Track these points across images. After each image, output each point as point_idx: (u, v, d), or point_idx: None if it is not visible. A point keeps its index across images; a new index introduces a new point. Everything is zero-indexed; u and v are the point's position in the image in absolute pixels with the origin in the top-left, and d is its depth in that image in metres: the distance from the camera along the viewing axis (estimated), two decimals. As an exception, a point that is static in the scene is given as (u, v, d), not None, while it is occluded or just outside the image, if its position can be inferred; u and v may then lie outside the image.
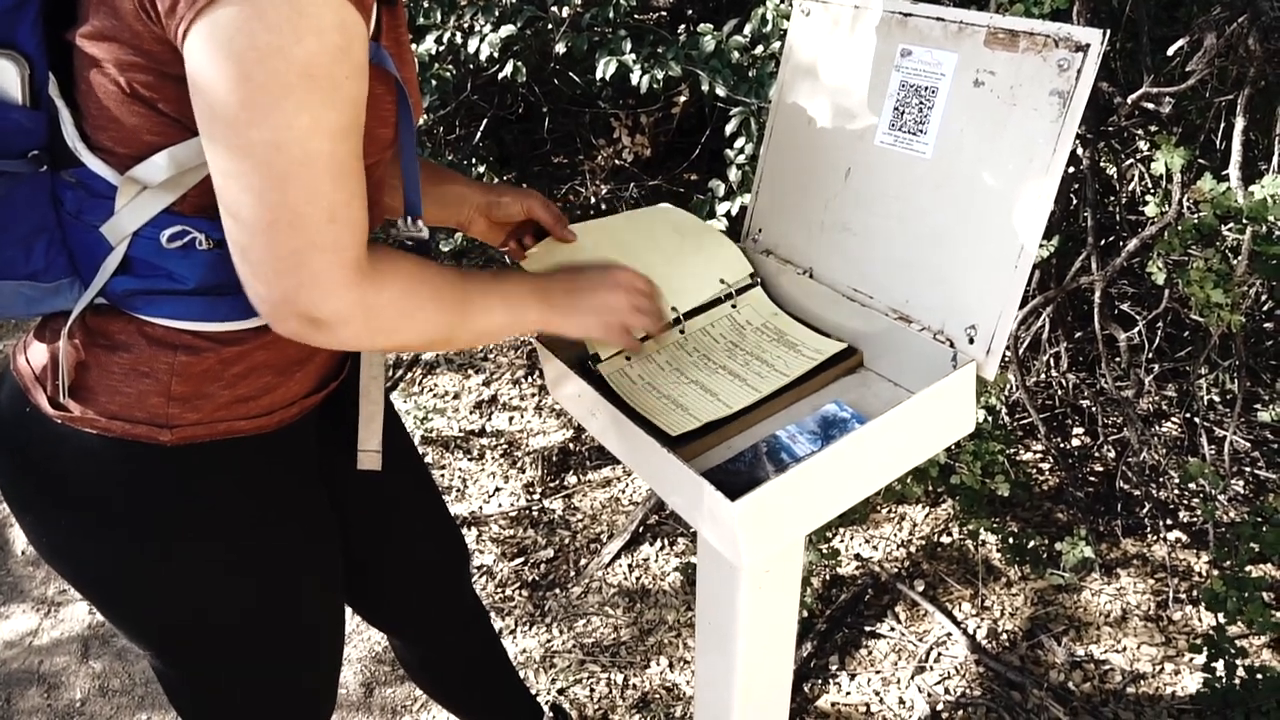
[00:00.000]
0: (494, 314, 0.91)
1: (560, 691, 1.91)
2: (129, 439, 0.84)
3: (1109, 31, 0.90)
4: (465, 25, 2.20)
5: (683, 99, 2.81)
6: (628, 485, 2.46)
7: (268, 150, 0.69)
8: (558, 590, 2.16)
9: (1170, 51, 1.70)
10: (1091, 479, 2.30)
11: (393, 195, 1.05)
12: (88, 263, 0.82)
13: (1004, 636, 1.95)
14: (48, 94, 0.76)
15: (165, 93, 0.74)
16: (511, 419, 2.74)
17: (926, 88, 1.03)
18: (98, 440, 0.84)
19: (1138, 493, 2.19)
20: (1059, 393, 2.36)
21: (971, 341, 1.00)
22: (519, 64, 2.19)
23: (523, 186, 1.19)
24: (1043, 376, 2.30)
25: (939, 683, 1.86)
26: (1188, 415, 2.24)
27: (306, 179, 0.71)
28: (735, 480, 0.97)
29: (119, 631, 0.98)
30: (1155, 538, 2.13)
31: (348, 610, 1.19)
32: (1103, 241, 2.06)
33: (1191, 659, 1.86)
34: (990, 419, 1.96)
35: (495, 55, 2.14)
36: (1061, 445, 2.37)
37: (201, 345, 0.84)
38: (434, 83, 2.34)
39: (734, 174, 1.97)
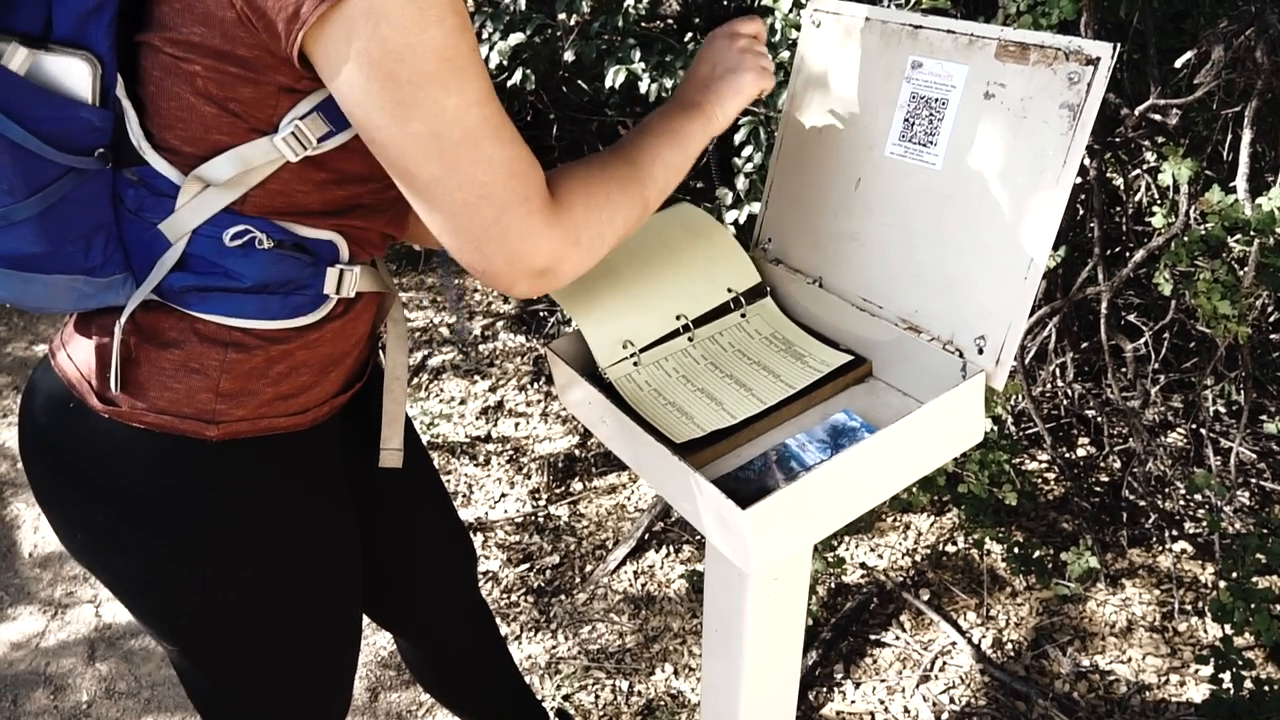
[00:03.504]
0: (670, 163, 0.92)
1: (565, 698, 1.91)
2: (175, 433, 0.86)
3: (1117, 44, 0.91)
4: (475, 33, 2.21)
5: (690, 107, 2.81)
6: (633, 492, 2.46)
7: (431, 137, 0.72)
8: (563, 596, 2.16)
9: (1178, 64, 1.70)
10: (1097, 489, 2.30)
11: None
12: (142, 259, 0.84)
13: (1009, 646, 1.95)
14: (115, 93, 0.78)
15: (239, 94, 0.76)
16: (518, 425, 2.74)
17: (937, 99, 1.03)
18: (141, 435, 0.86)
19: (1143, 503, 2.19)
20: (1065, 403, 2.37)
21: (981, 352, 1.00)
22: (528, 71, 2.20)
23: None
24: (1049, 386, 2.31)
25: (944, 692, 1.86)
26: (1194, 426, 2.24)
27: (475, 151, 0.74)
28: (745, 488, 0.97)
29: (143, 627, 1.00)
30: (1161, 548, 2.13)
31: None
32: (1109, 252, 2.06)
33: (1197, 670, 1.86)
34: (996, 428, 1.96)
35: (504, 63, 2.16)
36: (1067, 455, 2.37)
37: (251, 343, 0.87)
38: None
39: (742, 182, 1.98)
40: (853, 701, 1.86)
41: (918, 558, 2.18)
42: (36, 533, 2.45)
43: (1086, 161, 1.90)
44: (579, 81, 2.77)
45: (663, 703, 1.89)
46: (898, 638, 1.99)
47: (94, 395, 0.87)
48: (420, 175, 0.74)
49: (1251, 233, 1.59)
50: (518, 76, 2.20)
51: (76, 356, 0.89)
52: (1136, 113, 1.73)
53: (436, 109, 0.72)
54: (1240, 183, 1.63)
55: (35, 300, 0.83)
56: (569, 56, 2.15)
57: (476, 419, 2.77)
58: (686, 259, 1.21)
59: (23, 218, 0.77)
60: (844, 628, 2.01)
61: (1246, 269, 1.66)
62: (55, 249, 0.80)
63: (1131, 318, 2.28)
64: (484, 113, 0.74)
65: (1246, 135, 1.64)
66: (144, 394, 0.86)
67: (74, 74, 0.75)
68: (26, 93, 0.73)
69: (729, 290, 1.21)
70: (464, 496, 2.49)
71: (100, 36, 0.75)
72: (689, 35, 2.10)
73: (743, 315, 1.21)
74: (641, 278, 1.17)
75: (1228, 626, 1.57)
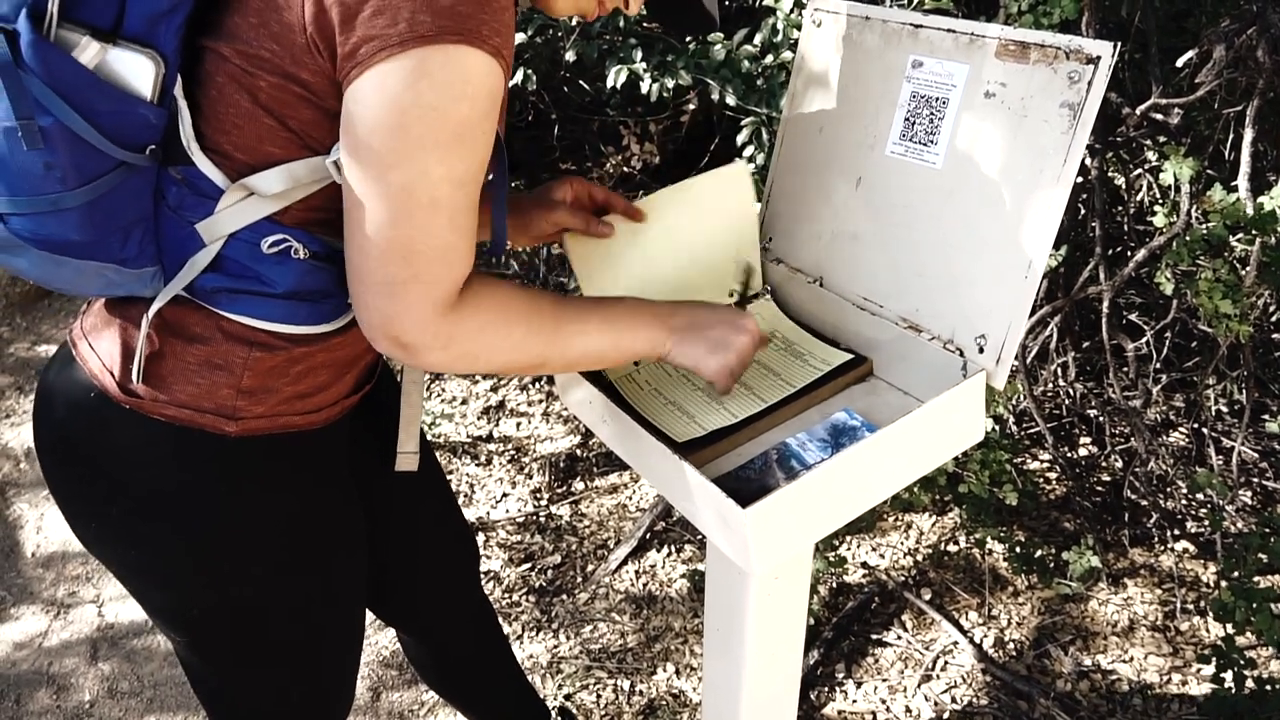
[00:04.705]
0: (591, 339, 0.93)
1: (567, 697, 1.91)
2: (194, 427, 0.87)
3: (1118, 43, 0.91)
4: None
5: (691, 107, 2.82)
6: (635, 491, 2.46)
7: (400, 190, 0.75)
8: (565, 596, 2.16)
9: (1179, 63, 1.70)
10: (1099, 489, 2.30)
11: None
12: (174, 255, 0.85)
13: (1011, 646, 1.95)
14: (173, 93, 0.80)
15: (300, 113, 0.79)
16: (519, 425, 2.74)
17: (937, 99, 1.03)
18: (160, 428, 0.87)
19: (1145, 503, 2.19)
20: (1066, 402, 2.36)
21: (981, 351, 1.01)
22: (529, 71, 2.20)
23: (550, 191, 1.15)
24: (1050, 386, 2.31)
25: (945, 691, 1.86)
26: (1195, 425, 2.24)
27: (427, 219, 0.77)
28: (746, 487, 0.98)
29: (153, 619, 1.01)
30: (1163, 548, 2.13)
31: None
32: (1110, 251, 2.06)
33: (1199, 669, 1.86)
34: (997, 428, 1.96)
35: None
36: (1069, 455, 2.36)
37: (275, 344, 0.88)
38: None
39: (743, 182, 1.98)
40: (854, 701, 1.86)
41: (919, 557, 2.18)
42: (39, 533, 2.45)
43: (1088, 161, 1.89)
44: (580, 81, 2.77)
45: (664, 702, 1.89)
46: (899, 637, 1.99)
47: (115, 386, 0.88)
48: (369, 212, 0.77)
49: (1253, 232, 1.59)
50: (519, 77, 2.20)
51: (100, 347, 0.90)
52: (1138, 112, 1.73)
53: (422, 171, 0.75)
54: (1242, 181, 1.63)
55: (62, 282, 0.85)
56: (570, 56, 2.15)
57: (478, 419, 2.78)
58: (704, 253, 1.20)
59: (71, 205, 0.79)
60: (845, 627, 2.01)
61: (1248, 268, 1.66)
62: (97, 238, 0.81)
63: (1133, 317, 2.28)
64: (456, 194, 0.78)
65: (1248, 134, 1.64)
66: (166, 387, 0.87)
67: (138, 71, 0.77)
68: (92, 86, 0.75)
69: (731, 294, 1.21)
70: (466, 496, 2.49)
71: (169, 38, 0.77)
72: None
73: (743, 314, 1.21)
74: (644, 276, 1.17)
75: (1229, 626, 1.57)
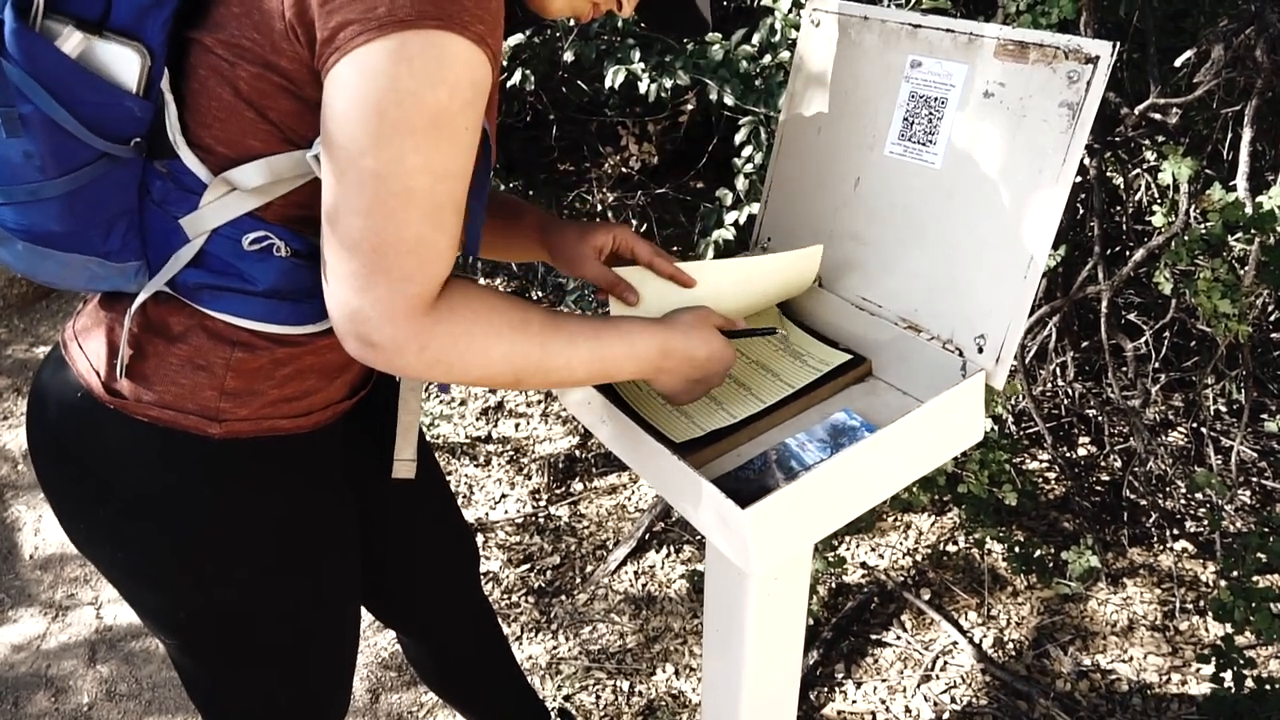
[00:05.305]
0: (577, 369, 0.89)
1: (566, 698, 1.91)
2: (178, 429, 0.87)
3: (1117, 43, 0.91)
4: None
5: (690, 107, 2.82)
6: (634, 492, 2.46)
7: (373, 178, 0.73)
8: (564, 597, 2.16)
9: (1178, 63, 1.71)
10: (1098, 488, 2.30)
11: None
12: (159, 250, 0.85)
13: (1010, 646, 1.95)
14: (159, 86, 0.79)
15: (279, 104, 0.78)
16: (518, 425, 2.74)
17: (936, 98, 1.03)
18: (144, 429, 0.87)
19: (1144, 502, 2.19)
20: (1065, 402, 2.36)
21: (980, 351, 1.00)
22: (527, 72, 2.20)
23: (590, 236, 1.09)
24: (1049, 386, 2.31)
25: (945, 691, 1.86)
26: (1194, 425, 2.24)
27: (399, 209, 0.74)
28: (745, 488, 0.97)
29: (143, 621, 1.01)
30: (1162, 547, 2.13)
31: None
32: (1109, 251, 2.06)
33: (1198, 669, 1.86)
34: (996, 428, 1.96)
35: (504, 63, 2.16)
36: (1068, 454, 2.36)
37: (258, 344, 0.87)
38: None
39: (741, 183, 1.98)
40: (854, 701, 1.86)
41: (918, 557, 2.18)
42: (37, 535, 2.45)
43: (1086, 160, 1.89)
44: (579, 82, 2.77)
45: (664, 703, 1.89)
46: (899, 637, 1.98)
47: (100, 386, 0.87)
48: (340, 200, 0.74)
49: (1252, 231, 1.59)
50: (517, 77, 2.20)
51: (88, 347, 0.90)
52: (1136, 112, 1.73)
53: (396, 157, 0.72)
54: (1240, 181, 1.63)
55: (48, 275, 0.84)
56: (568, 57, 2.15)
57: (477, 419, 2.77)
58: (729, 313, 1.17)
59: (51, 195, 0.78)
60: (845, 627, 2.01)
61: (1247, 268, 1.66)
62: (78, 230, 0.81)
63: (1132, 317, 2.28)
64: (435, 187, 0.75)
65: (1246, 134, 1.64)
66: (150, 387, 0.86)
67: (123, 63, 0.76)
68: (74, 76, 0.74)
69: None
70: (464, 497, 2.49)
71: (156, 30, 0.76)
72: (688, 35, 2.09)
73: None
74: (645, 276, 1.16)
75: (1229, 625, 1.57)
